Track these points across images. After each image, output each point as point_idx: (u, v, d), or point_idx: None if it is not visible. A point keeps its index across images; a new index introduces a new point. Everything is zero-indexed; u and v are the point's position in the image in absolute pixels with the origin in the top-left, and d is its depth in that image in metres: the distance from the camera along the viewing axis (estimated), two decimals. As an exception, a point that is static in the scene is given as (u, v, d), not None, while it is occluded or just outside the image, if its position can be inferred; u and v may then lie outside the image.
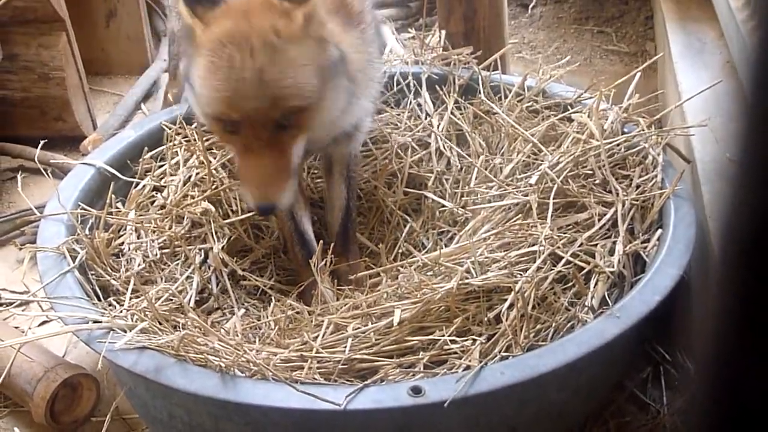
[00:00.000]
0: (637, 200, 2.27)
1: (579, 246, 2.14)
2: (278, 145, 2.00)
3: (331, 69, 2.06)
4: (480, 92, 2.77)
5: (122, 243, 2.38)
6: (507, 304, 1.99)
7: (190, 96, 2.15)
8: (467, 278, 2.02)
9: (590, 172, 2.36)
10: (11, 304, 2.72)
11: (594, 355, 1.85)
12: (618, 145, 2.42)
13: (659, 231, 2.18)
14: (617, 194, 2.27)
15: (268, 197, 2.00)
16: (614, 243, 2.17)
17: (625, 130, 2.48)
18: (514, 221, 2.29)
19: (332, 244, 2.37)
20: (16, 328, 2.64)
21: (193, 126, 2.66)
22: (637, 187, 2.32)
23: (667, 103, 2.88)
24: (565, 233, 2.20)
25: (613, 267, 2.10)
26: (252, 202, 2.04)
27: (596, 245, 2.17)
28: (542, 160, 2.45)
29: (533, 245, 2.14)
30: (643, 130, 2.44)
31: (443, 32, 3.06)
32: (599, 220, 2.23)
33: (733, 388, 0.63)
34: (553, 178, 2.31)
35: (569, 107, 2.66)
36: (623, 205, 2.24)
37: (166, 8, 4.13)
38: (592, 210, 2.26)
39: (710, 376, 0.64)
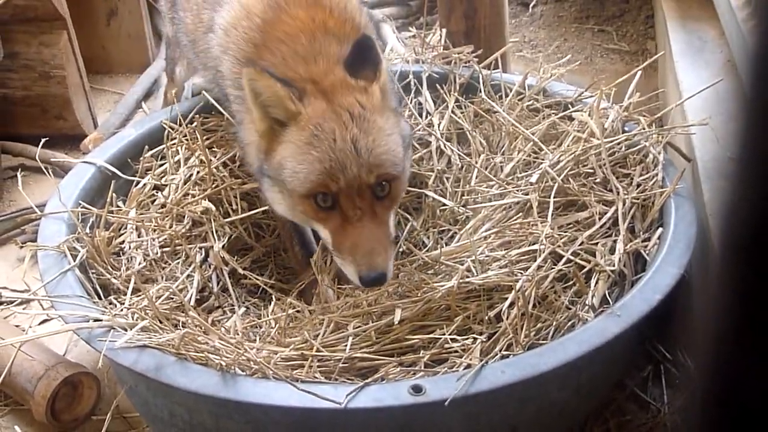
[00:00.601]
0: (638, 199, 2.27)
1: (580, 245, 2.14)
2: (376, 215, 2.02)
3: (406, 139, 2.17)
4: (481, 91, 2.77)
5: (123, 242, 2.39)
6: (508, 302, 1.99)
7: (271, 191, 2.14)
8: (468, 277, 2.02)
9: (591, 170, 2.36)
10: (12, 302, 2.72)
11: (595, 354, 1.85)
12: (618, 143, 2.42)
13: (660, 230, 2.18)
14: (618, 193, 2.27)
15: (375, 266, 1.96)
16: (615, 242, 2.17)
17: (626, 128, 2.48)
18: (515, 220, 2.29)
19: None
20: (17, 326, 2.64)
21: (194, 125, 2.66)
22: (638, 185, 2.32)
23: (667, 101, 2.88)
24: (565, 232, 2.20)
25: (613, 266, 2.10)
26: (357, 273, 1.98)
27: (597, 244, 2.17)
28: (543, 159, 2.45)
29: (534, 244, 2.14)
30: (644, 128, 2.44)
31: (444, 31, 3.06)
32: (600, 218, 2.23)
33: (733, 386, 0.63)
34: (554, 176, 2.30)
35: (570, 106, 2.66)
36: (624, 204, 2.24)
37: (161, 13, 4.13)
38: (592, 209, 2.26)
39: (710, 374, 0.64)
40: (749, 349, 0.62)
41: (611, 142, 2.41)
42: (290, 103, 1.99)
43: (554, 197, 2.26)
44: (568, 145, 2.45)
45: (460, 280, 2.00)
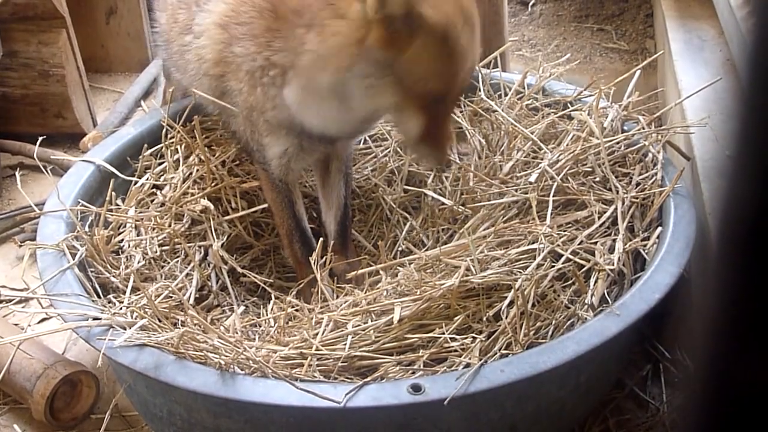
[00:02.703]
0: (637, 198, 2.27)
1: (579, 244, 2.14)
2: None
3: None
4: (480, 90, 2.77)
5: (122, 240, 2.38)
6: (507, 301, 1.99)
7: (369, 80, 2.07)
8: (467, 276, 2.02)
9: (590, 169, 2.36)
10: (11, 301, 2.72)
11: (594, 353, 1.85)
12: (618, 142, 2.42)
13: (659, 229, 2.18)
14: (617, 192, 2.27)
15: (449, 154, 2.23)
16: (614, 241, 2.17)
17: (625, 127, 2.49)
18: (514, 219, 2.29)
19: (331, 243, 2.38)
20: (16, 325, 2.64)
21: (193, 123, 2.65)
22: (637, 184, 2.32)
23: (667, 100, 2.88)
24: (564, 231, 2.20)
25: (612, 265, 2.10)
26: (439, 160, 2.18)
27: (596, 243, 2.17)
28: (542, 158, 2.45)
29: (533, 243, 2.14)
30: (643, 127, 2.44)
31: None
32: (599, 217, 2.23)
33: (731, 382, 0.63)
34: (553, 176, 2.31)
35: (569, 105, 2.66)
36: (623, 203, 2.24)
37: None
38: (592, 208, 2.26)
39: (708, 370, 0.64)
40: (747, 345, 0.62)
41: (610, 141, 2.41)
42: (416, 12, 1.94)
43: (553, 196, 2.26)
44: (567, 144, 2.46)
45: (460, 279, 2.00)
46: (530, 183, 2.34)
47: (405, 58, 1.98)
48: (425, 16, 1.94)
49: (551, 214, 2.22)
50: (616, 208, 2.23)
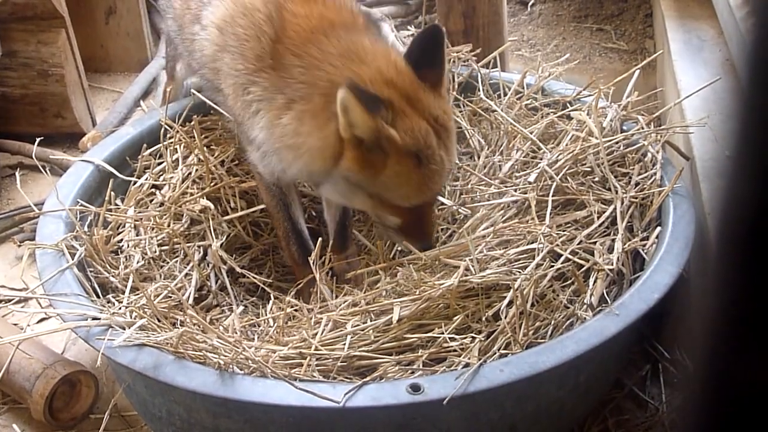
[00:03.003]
0: (636, 198, 2.27)
1: (578, 243, 2.14)
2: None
3: None
4: (479, 90, 2.77)
5: (121, 240, 2.38)
6: (506, 301, 1.99)
7: (343, 189, 2.13)
8: (466, 275, 2.02)
9: (589, 169, 2.36)
10: (10, 300, 2.72)
11: (593, 353, 1.85)
12: (617, 142, 2.42)
13: (658, 228, 2.18)
14: (616, 192, 2.27)
15: (432, 240, 2.25)
16: (613, 241, 2.17)
17: (624, 127, 2.48)
18: (513, 219, 2.29)
19: (330, 242, 2.38)
20: (15, 325, 2.64)
21: (192, 123, 2.65)
22: (636, 184, 2.32)
23: (666, 100, 2.88)
24: (564, 231, 2.20)
25: (612, 265, 2.10)
26: (422, 245, 2.18)
27: (595, 243, 2.17)
28: (541, 158, 2.45)
29: (532, 243, 2.14)
30: (642, 127, 2.44)
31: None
32: (598, 217, 2.23)
33: (730, 381, 0.63)
34: (552, 175, 2.30)
35: (568, 105, 2.66)
36: (622, 203, 2.24)
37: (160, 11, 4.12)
38: (591, 208, 2.26)
39: (707, 371, 0.64)
40: (747, 345, 0.62)
41: (610, 141, 2.41)
42: (386, 137, 1.97)
43: (553, 196, 2.26)
44: (566, 144, 2.45)
45: (459, 279, 2.00)
46: (529, 183, 2.34)
47: (380, 180, 2.04)
48: (395, 139, 1.98)
49: (550, 213, 2.22)
50: (615, 208, 2.23)
